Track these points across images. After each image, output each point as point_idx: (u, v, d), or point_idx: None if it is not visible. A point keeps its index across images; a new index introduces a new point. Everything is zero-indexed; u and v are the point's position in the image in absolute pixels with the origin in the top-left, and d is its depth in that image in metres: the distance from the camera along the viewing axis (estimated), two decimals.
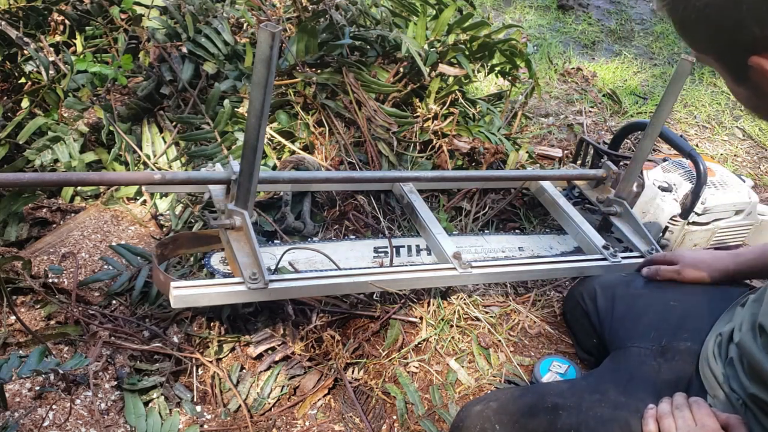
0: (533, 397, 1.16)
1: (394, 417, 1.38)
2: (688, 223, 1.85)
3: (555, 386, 1.23)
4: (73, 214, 1.76)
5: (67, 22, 2.04)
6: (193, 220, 1.72)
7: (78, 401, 1.27)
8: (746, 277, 1.40)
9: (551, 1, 4.60)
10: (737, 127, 3.18)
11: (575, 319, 1.58)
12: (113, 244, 1.63)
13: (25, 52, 1.85)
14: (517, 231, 1.93)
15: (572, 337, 1.63)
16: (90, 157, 1.83)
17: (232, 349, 1.44)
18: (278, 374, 1.40)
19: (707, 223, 1.89)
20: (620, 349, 1.29)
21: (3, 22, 1.81)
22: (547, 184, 1.91)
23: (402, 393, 1.42)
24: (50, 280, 1.50)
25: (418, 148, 2.03)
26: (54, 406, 1.24)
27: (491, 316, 1.65)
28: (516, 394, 1.18)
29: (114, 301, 1.51)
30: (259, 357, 1.43)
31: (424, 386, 1.46)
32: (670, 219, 1.86)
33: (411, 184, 1.78)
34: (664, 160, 2.00)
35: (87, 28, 2.08)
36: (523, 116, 2.61)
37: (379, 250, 1.63)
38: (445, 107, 2.07)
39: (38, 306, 1.45)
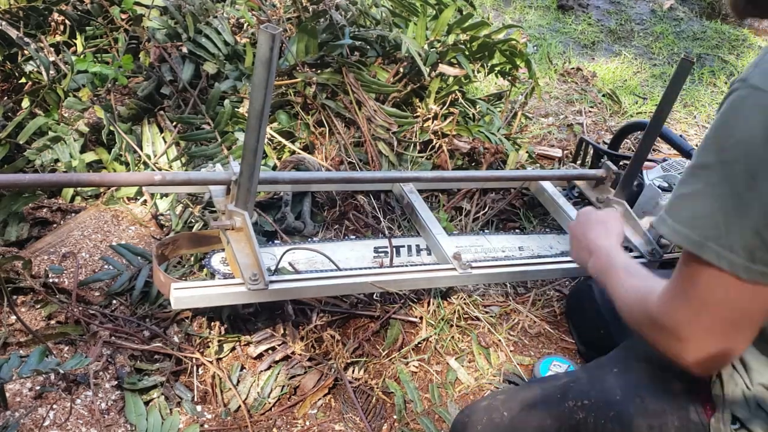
0: (542, 383, 1.15)
1: (394, 417, 1.39)
2: None
3: (563, 374, 1.21)
4: (73, 214, 1.76)
5: (67, 22, 2.04)
6: (193, 221, 1.72)
7: (78, 401, 1.27)
8: None
9: (551, 1, 4.60)
10: None
11: (582, 310, 1.57)
12: (113, 244, 1.63)
13: (26, 52, 1.85)
14: (517, 231, 1.93)
15: (573, 330, 1.63)
16: (90, 157, 1.83)
17: (233, 349, 1.45)
18: (278, 374, 1.41)
19: None
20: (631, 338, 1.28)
21: (3, 22, 1.81)
22: (546, 184, 1.91)
23: (401, 390, 1.42)
24: (51, 280, 1.50)
25: (418, 148, 2.03)
26: (54, 406, 1.25)
27: (491, 316, 1.65)
28: (523, 386, 1.17)
29: (114, 301, 1.51)
30: (260, 357, 1.43)
31: (424, 385, 1.46)
32: None
33: (411, 184, 1.78)
34: (664, 160, 2.00)
35: (87, 28, 2.08)
36: (522, 116, 2.61)
37: (379, 250, 1.63)
38: (445, 107, 2.08)
39: (39, 306, 1.45)
